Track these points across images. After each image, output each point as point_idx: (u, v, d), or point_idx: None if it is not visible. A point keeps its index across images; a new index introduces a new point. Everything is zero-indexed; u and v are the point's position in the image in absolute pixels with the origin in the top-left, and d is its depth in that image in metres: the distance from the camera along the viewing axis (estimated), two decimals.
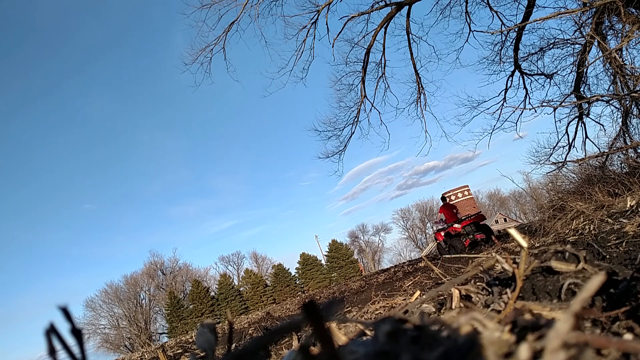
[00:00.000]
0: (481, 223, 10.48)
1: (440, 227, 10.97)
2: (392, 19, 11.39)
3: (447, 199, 11.99)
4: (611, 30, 8.40)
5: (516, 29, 9.79)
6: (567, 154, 10.08)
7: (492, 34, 9.26)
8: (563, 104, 8.98)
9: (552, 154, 9.97)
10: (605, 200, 5.56)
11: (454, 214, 11.12)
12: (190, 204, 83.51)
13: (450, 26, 28.43)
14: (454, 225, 10.54)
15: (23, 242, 63.78)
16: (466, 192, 47.34)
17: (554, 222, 5.99)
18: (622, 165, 7.51)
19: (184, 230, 79.69)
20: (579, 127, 10.01)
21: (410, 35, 11.92)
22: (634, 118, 8.55)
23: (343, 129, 12.96)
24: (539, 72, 10.45)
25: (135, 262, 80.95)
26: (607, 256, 2.19)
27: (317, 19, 11.46)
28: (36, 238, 64.79)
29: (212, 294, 38.80)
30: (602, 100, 8.59)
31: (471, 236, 10.19)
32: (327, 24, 11.56)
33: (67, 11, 78.35)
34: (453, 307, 1.36)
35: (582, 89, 9.60)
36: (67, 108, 74.07)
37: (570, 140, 10.09)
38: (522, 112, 9.99)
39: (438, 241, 11.10)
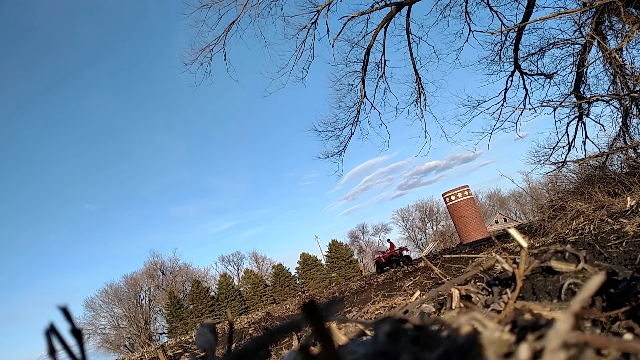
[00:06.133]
0: (394, 255, 20.17)
1: (381, 255, 20.85)
2: (392, 19, 11.39)
3: (390, 241, 22.29)
4: (611, 30, 8.40)
5: (516, 29, 9.79)
6: (567, 154, 10.08)
7: (492, 34, 9.26)
8: (563, 104, 8.98)
9: (552, 154, 9.96)
10: (605, 200, 5.57)
11: (392, 249, 20.71)
12: (191, 204, 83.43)
13: (450, 26, 28.36)
14: (380, 257, 20.70)
15: (23, 241, 63.75)
16: (466, 192, 47.29)
17: (554, 222, 5.99)
18: (622, 165, 7.51)
19: (184, 230, 79.55)
20: (579, 127, 10.00)
21: (410, 35, 11.91)
22: (634, 118, 8.55)
23: (343, 129, 12.97)
24: (539, 72, 10.45)
25: (135, 262, 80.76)
26: (607, 256, 2.19)
27: (317, 19, 11.46)
28: (36, 238, 64.70)
29: (212, 294, 38.76)
30: (602, 100, 8.58)
31: (394, 262, 20.00)
32: (327, 24, 11.56)
33: (67, 11, 78.33)
34: (453, 307, 1.36)
35: (582, 89, 9.59)
36: (67, 107, 73.93)
37: (570, 140, 10.08)
38: (522, 112, 9.99)
39: (379, 262, 20.71)
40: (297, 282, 39.94)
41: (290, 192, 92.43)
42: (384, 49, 12.12)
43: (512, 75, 10.88)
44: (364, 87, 12.56)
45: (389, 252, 20.75)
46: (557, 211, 6.29)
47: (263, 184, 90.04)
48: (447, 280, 2.12)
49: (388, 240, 22.07)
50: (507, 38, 10.50)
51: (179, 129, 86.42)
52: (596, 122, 9.64)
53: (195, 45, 12.42)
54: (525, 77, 10.85)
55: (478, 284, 1.48)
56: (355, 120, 12.86)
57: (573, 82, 9.67)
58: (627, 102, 8.39)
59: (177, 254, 63.52)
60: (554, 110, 8.96)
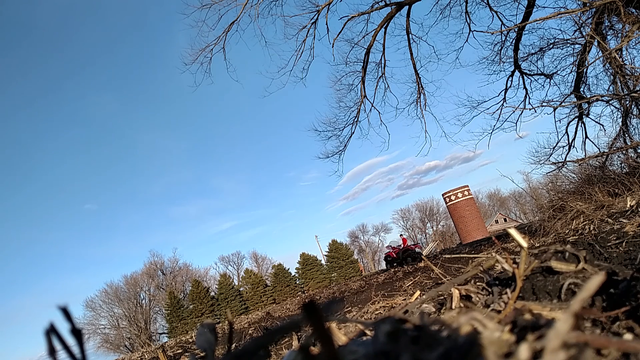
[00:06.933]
0: (408, 250, 18.92)
1: (391, 249, 19.53)
2: (392, 19, 11.38)
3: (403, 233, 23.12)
4: (611, 30, 8.40)
5: (516, 29, 9.79)
6: (567, 154, 10.08)
7: (492, 34, 9.26)
8: (563, 104, 8.98)
9: (552, 154, 9.96)
10: (605, 200, 5.57)
11: (405, 244, 19.71)
12: (191, 204, 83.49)
13: (450, 26, 28.39)
14: (394, 250, 19.27)
15: (23, 242, 63.73)
16: (466, 192, 47.29)
17: (554, 222, 6.00)
18: (622, 165, 7.51)
19: (185, 230, 79.58)
20: (579, 127, 10.00)
21: (410, 35, 11.91)
22: (634, 118, 8.55)
23: (343, 129, 12.96)
24: (539, 72, 10.45)
25: (135, 262, 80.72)
26: (607, 256, 2.19)
27: (317, 19, 11.46)
28: (36, 238, 64.61)
29: (212, 294, 38.75)
30: (602, 100, 8.58)
31: (400, 257, 18.93)
32: (327, 24, 11.56)
33: (67, 11, 78.34)
34: (453, 307, 1.36)
35: (582, 89, 9.59)
36: (68, 108, 74.01)
37: (570, 140, 10.08)
38: (522, 112, 9.99)
39: (390, 257, 19.45)
40: (297, 282, 39.92)
41: (290, 192, 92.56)
42: (384, 49, 12.13)
43: (512, 75, 10.88)
44: (364, 87, 12.56)
45: (400, 247, 19.65)
46: (557, 211, 6.29)
47: (263, 184, 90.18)
48: (447, 280, 2.12)
49: (400, 235, 21.34)
50: (507, 38, 10.51)
51: (179, 129, 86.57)
52: (596, 122, 9.65)
53: (195, 45, 12.44)
54: (525, 77, 10.86)
55: (478, 284, 1.48)
56: (355, 120, 12.87)
57: (573, 82, 9.67)
58: (627, 102, 8.39)
59: (177, 254, 63.58)
60: (554, 110, 8.96)
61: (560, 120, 10.08)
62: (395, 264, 18.64)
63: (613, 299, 1.03)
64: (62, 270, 65.24)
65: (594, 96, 8.32)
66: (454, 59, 12.72)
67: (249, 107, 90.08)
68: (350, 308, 5.19)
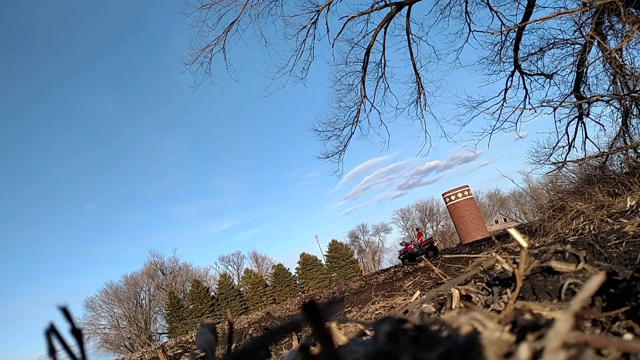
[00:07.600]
0: (427, 243, 18.70)
1: (405, 245, 19.35)
2: (392, 19, 11.39)
3: (419, 229, 22.07)
4: (611, 30, 8.41)
5: (516, 29, 9.79)
6: (567, 154, 10.08)
7: (492, 34, 9.27)
8: (563, 104, 8.98)
9: (552, 154, 9.96)
10: (605, 200, 5.57)
11: (420, 238, 19.32)
12: (191, 204, 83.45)
13: (450, 26, 28.42)
14: (409, 246, 18.91)
15: (23, 242, 63.73)
16: (466, 192, 47.27)
17: (554, 222, 6.00)
18: (622, 165, 7.51)
19: (185, 230, 79.51)
20: (579, 127, 10.00)
21: (410, 35, 11.91)
22: (634, 118, 8.55)
23: (343, 129, 12.96)
24: (539, 72, 10.45)
25: (135, 262, 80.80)
26: (607, 256, 2.19)
27: (317, 19, 11.46)
28: (36, 238, 64.63)
29: (212, 294, 38.78)
30: (602, 100, 8.58)
31: (419, 251, 18.45)
32: (327, 24, 11.56)
33: (67, 11, 78.36)
34: (453, 307, 1.36)
35: (582, 89, 9.59)
36: (68, 108, 73.92)
37: (570, 140, 10.08)
38: (522, 112, 9.98)
39: (407, 252, 19.10)
40: (297, 282, 39.94)
41: (291, 192, 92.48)
42: (384, 49, 12.13)
43: (512, 75, 10.88)
44: (364, 87, 12.56)
45: (415, 242, 18.84)
46: (557, 211, 6.29)
47: (263, 184, 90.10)
48: (447, 280, 2.12)
49: (417, 229, 21.16)
50: (507, 38, 10.51)
51: (179, 129, 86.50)
52: (596, 122, 9.65)
53: (195, 45, 12.42)
54: (525, 77, 10.86)
55: (478, 284, 1.48)
56: (355, 120, 12.87)
57: (573, 82, 9.67)
58: (627, 102, 8.39)
59: (177, 254, 63.60)
60: (554, 110, 8.96)
61: (560, 120, 10.08)
62: (416, 258, 17.56)
63: (613, 299, 1.03)
64: (62, 270, 65.31)
65: (594, 96, 8.32)
66: (454, 59, 12.72)
67: (249, 107, 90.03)
68: (350, 308, 5.19)
